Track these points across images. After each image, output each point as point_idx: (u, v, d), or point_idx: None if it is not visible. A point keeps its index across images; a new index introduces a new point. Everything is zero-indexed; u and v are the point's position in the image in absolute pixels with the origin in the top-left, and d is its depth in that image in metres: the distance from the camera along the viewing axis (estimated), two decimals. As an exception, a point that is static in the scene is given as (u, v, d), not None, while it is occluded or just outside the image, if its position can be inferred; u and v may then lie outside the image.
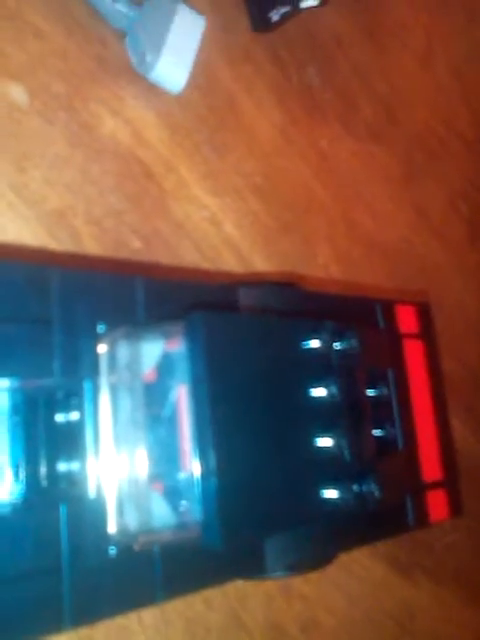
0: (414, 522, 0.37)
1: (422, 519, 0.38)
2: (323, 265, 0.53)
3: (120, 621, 0.36)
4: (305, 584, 0.43)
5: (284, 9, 0.51)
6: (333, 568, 0.45)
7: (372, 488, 0.31)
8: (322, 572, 0.43)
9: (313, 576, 0.43)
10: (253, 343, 0.30)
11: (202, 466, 0.26)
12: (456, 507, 0.39)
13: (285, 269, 0.50)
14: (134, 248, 0.42)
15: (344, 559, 0.45)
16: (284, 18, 0.53)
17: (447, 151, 0.68)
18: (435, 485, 0.39)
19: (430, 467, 0.39)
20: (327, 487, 0.30)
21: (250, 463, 0.28)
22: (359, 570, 0.47)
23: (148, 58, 0.43)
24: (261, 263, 0.49)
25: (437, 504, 0.39)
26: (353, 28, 0.62)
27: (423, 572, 0.51)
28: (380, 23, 0.66)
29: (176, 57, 0.44)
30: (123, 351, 0.30)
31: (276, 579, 0.38)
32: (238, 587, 0.40)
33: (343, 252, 0.55)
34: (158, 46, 0.43)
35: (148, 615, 0.37)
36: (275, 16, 0.52)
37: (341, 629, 0.45)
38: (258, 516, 0.27)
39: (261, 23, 0.53)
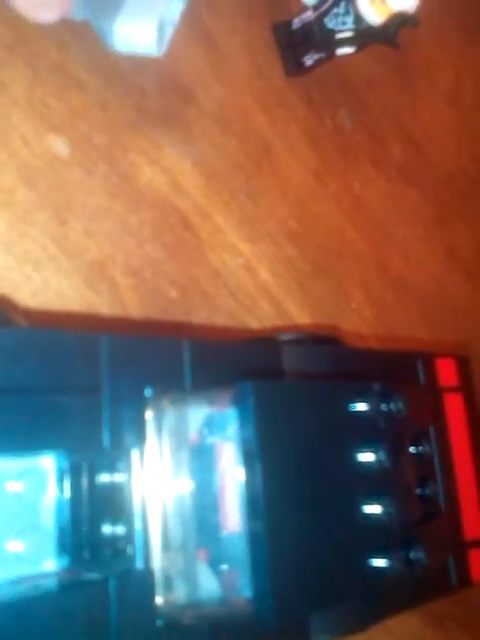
0: (457, 583, 0.37)
1: (465, 579, 0.37)
2: (357, 310, 0.52)
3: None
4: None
5: (319, 55, 0.51)
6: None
7: (419, 555, 0.31)
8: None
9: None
10: (301, 408, 0.29)
11: (252, 535, 0.26)
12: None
13: (319, 314, 0.50)
14: (171, 298, 0.42)
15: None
16: (317, 63, 0.53)
17: (477, 190, 0.68)
18: (477, 543, 0.38)
19: (471, 525, 0.39)
20: (376, 556, 0.29)
21: (300, 534, 0.27)
22: (393, 625, 0.46)
23: (105, 27, 0.41)
24: (296, 309, 0.48)
25: (479, 563, 0.38)
26: (382, 68, 0.62)
27: (456, 624, 0.50)
28: (409, 62, 0.66)
29: (134, 17, 0.41)
30: (169, 417, 0.29)
31: None
32: None
33: (376, 296, 0.54)
34: (113, 12, 0.40)
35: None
36: (309, 61, 0.52)
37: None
38: (310, 591, 0.27)
39: (295, 68, 0.53)
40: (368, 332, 0.53)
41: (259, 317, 0.46)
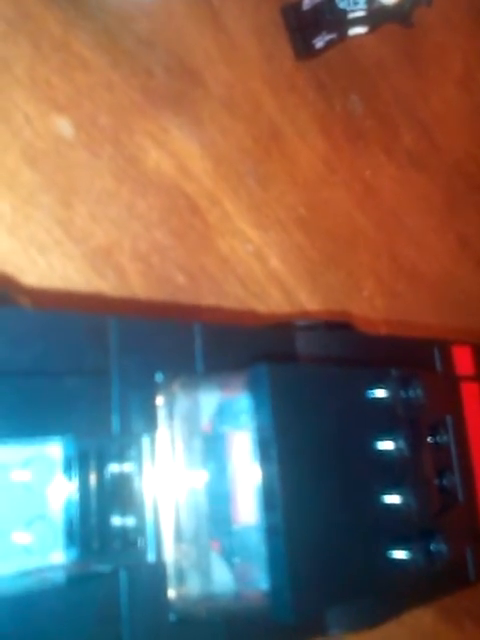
0: (475, 575, 0.36)
1: (483, 572, 0.36)
2: (368, 298, 0.51)
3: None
4: (356, 636, 0.41)
5: (330, 36, 0.50)
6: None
7: (440, 546, 0.29)
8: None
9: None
10: (318, 393, 0.28)
11: (270, 530, 0.25)
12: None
13: (330, 303, 0.49)
14: (179, 284, 0.41)
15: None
16: (328, 45, 0.51)
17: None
18: (495, 535, 0.37)
19: (489, 516, 0.37)
20: (397, 548, 0.28)
21: (318, 525, 0.26)
22: (406, 618, 0.45)
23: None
24: (306, 297, 0.47)
25: (497, 556, 0.37)
26: (393, 52, 0.61)
27: (471, 618, 0.49)
28: (419, 47, 0.65)
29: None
30: (181, 402, 0.28)
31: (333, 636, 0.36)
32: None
33: (388, 285, 0.53)
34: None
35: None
36: (320, 43, 0.51)
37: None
38: (329, 584, 0.26)
39: (305, 50, 0.51)
40: (379, 320, 0.51)
41: (268, 304, 0.45)
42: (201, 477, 0.28)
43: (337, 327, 0.36)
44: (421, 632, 0.46)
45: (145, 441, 0.27)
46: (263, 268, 0.46)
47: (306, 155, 0.51)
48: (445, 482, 0.34)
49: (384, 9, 0.47)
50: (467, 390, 0.39)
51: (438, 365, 0.38)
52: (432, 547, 0.29)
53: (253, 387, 0.27)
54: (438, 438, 0.35)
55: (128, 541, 0.26)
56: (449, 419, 0.37)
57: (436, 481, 0.34)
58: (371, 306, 0.51)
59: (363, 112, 0.56)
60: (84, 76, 0.39)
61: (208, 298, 0.42)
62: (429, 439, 0.35)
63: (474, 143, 0.67)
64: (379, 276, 0.53)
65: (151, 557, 0.26)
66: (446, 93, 0.66)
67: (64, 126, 0.38)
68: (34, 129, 0.37)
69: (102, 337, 0.26)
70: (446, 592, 0.36)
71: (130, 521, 0.26)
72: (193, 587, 0.26)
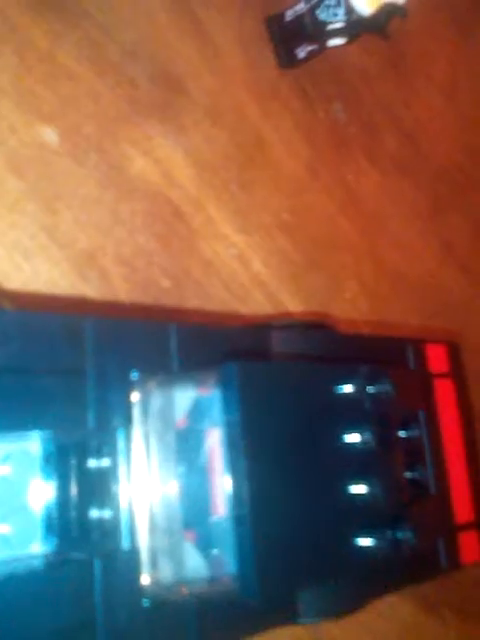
0: (446, 565, 0.37)
1: (454, 562, 0.37)
2: (351, 300, 0.52)
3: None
4: (334, 627, 0.43)
5: (311, 47, 0.52)
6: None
7: (406, 534, 0.31)
8: (351, 614, 0.43)
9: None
10: (287, 390, 0.30)
11: (238, 517, 0.26)
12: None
13: (313, 305, 0.50)
14: (163, 287, 0.42)
15: (373, 599, 0.45)
16: (310, 55, 0.53)
17: (472, 183, 0.68)
18: (467, 526, 0.39)
19: (462, 508, 0.39)
20: (362, 535, 0.30)
21: (285, 513, 0.28)
22: (386, 610, 0.46)
23: None
24: (289, 299, 0.49)
25: (469, 545, 0.38)
26: (377, 61, 0.62)
27: (450, 609, 0.50)
28: (403, 55, 0.66)
29: None
30: (156, 399, 0.30)
31: (307, 624, 0.37)
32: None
33: (370, 288, 0.54)
34: None
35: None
36: (302, 53, 0.52)
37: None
38: (295, 567, 0.27)
39: (287, 60, 0.53)
40: (361, 321, 0.53)
41: (252, 307, 0.46)
42: (175, 471, 0.29)
43: (313, 327, 0.38)
44: (402, 624, 0.47)
45: (120, 436, 0.28)
46: (247, 272, 0.47)
47: (289, 162, 0.52)
48: (416, 474, 0.35)
49: (362, 20, 0.48)
50: (441, 386, 0.40)
51: (411, 363, 0.39)
52: (398, 535, 0.31)
53: (223, 384, 0.28)
54: (410, 432, 0.36)
55: (104, 531, 0.27)
56: (421, 414, 0.38)
57: (408, 473, 0.35)
58: (354, 308, 0.52)
59: (346, 119, 0.58)
60: (69, 86, 0.41)
61: (192, 301, 0.43)
62: (402, 433, 0.36)
63: (458, 148, 0.68)
64: (362, 279, 0.54)
65: (125, 545, 0.27)
66: (430, 100, 0.67)
67: (49, 135, 0.39)
68: (19, 138, 0.38)
69: (79, 337, 0.28)
70: (418, 580, 0.37)
71: (106, 513, 0.28)
72: (166, 574, 0.27)
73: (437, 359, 0.41)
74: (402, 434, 0.36)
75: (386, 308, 0.55)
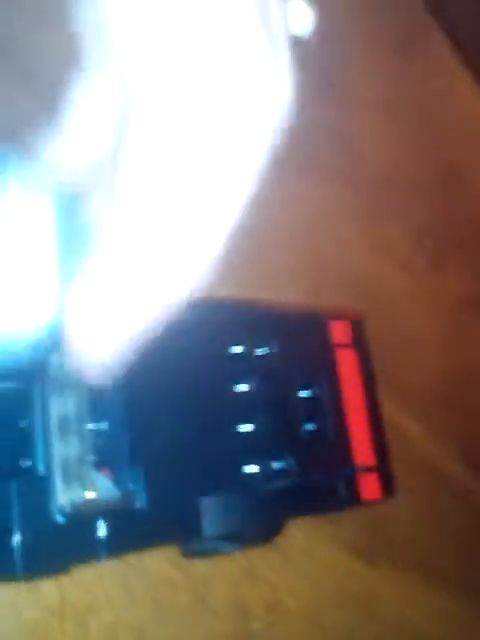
0: (346, 499, 0.44)
1: (353, 498, 0.44)
2: (284, 292, 0.59)
3: (88, 599, 0.41)
4: (268, 569, 0.49)
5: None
6: (295, 556, 0.51)
7: (290, 464, 0.38)
8: (285, 559, 0.50)
9: (276, 562, 0.49)
10: (184, 348, 0.37)
11: (132, 443, 0.34)
12: (388, 489, 0.46)
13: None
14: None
15: (306, 547, 0.51)
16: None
17: (413, 190, 0.74)
18: (367, 469, 0.45)
19: (363, 454, 0.46)
20: (248, 463, 0.37)
21: (178, 444, 0.35)
22: (322, 557, 0.52)
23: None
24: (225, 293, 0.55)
25: (369, 485, 0.45)
26: (312, 82, 0.69)
27: (385, 560, 0.56)
28: (339, 73, 0.72)
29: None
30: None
31: (225, 552, 0.43)
32: (201, 571, 0.46)
33: (308, 287, 0.60)
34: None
35: (116, 595, 0.43)
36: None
37: (307, 612, 0.51)
38: (185, 486, 0.35)
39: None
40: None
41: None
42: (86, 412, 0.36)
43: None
44: (334, 569, 0.53)
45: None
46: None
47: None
48: (313, 425, 0.43)
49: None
50: (343, 355, 0.47)
51: (316, 334, 0.46)
52: (283, 464, 0.38)
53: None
54: (309, 392, 0.44)
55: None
56: (322, 376, 0.45)
57: (308, 425, 0.43)
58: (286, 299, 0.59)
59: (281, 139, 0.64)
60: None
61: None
62: (303, 394, 0.43)
63: (390, 165, 0.74)
64: (295, 273, 0.60)
65: (41, 471, 0.33)
66: (366, 116, 0.73)
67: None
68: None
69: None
70: (320, 510, 0.44)
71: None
72: (79, 495, 0.34)
73: (341, 332, 0.48)
74: (305, 394, 0.44)
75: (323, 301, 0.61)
